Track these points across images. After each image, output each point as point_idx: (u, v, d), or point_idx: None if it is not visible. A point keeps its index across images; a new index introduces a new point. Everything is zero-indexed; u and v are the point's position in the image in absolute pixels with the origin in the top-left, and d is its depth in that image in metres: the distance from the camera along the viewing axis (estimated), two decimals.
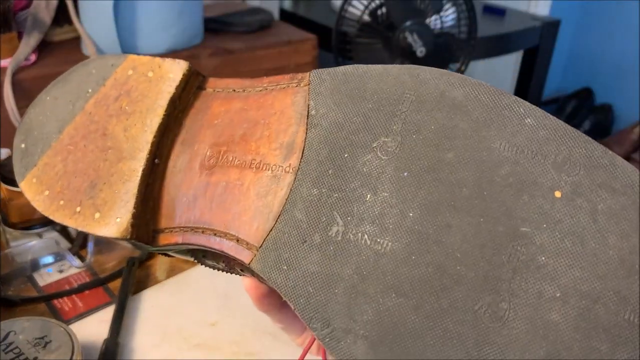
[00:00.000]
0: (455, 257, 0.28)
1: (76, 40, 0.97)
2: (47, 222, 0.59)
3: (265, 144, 0.34)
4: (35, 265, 0.55)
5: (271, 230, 0.32)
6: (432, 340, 0.28)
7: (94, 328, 0.49)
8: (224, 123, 0.36)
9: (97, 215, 0.35)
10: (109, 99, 0.38)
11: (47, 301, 0.52)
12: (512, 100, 0.29)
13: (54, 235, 0.60)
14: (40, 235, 0.60)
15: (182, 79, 0.36)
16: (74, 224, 0.36)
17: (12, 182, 0.57)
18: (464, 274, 0.28)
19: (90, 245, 0.57)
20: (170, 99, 0.36)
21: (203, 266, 0.38)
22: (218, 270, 0.39)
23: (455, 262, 0.28)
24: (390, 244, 0.29)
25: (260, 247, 0.32)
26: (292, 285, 0.30)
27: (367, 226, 0.30)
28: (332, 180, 0.31)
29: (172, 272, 0.58)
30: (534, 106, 0.29)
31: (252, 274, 0.35)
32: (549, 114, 0.29)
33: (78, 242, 0.60)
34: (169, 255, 0.40)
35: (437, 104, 0.30)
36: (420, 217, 0.29)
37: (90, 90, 0.39)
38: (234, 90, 0.36)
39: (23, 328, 0.42)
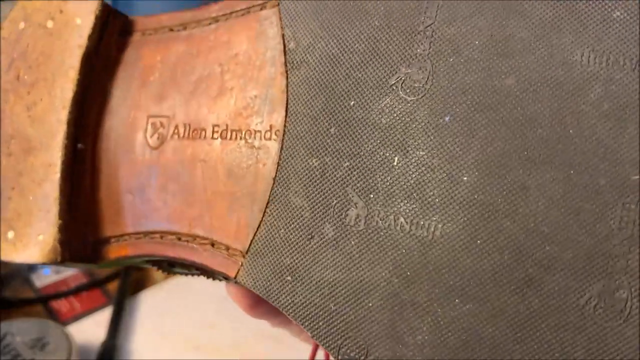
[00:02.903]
0: (541, 232, 0.19)
1: None
2: None
3: (229, 102, 0.23)
4: (32, 267, 0.54)
5: (259, 225, 0.22)
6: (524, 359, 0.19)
7: (91, 330, 0.48)
8: (163, 78, 0.25)
9: (10, 234, 0.25)
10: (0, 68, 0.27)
11: (44, 302, 0.51)
12: None
13: None
14: None
15: (94, 23, 0.25)
16: None
17: None
18: (556, 256, 0.19)
19: None
20: (83, 54, 0.25)
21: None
22: (194, 275, 0.29)
23: (541, 241, 0.19)
24: (440, 226, 0.20)
25: (247, 251, 0.22)
26: (303, 304, 0.21)
27: (401, 204, 0.20)
28: (338, 143, 0.21)
29: (170, 273, 0.50)
30: None
31: None
32: None
33: None
34: (132, 267, 0.30)
35: (478, 8, 0.20)
36: (479, 180, 0.19)
37: None
38: (171, 30, 0.26)
39: (20, 330, 0.42)
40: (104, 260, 0.26)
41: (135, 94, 0.26)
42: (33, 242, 0.25)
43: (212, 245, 0.23)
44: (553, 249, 0.19)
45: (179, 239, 0.24)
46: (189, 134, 0.24)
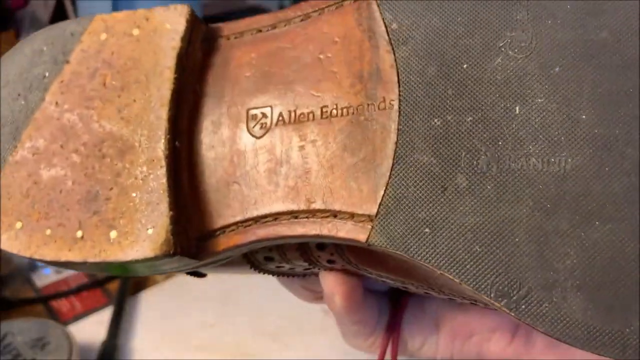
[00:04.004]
0: None
1: None
2: None
3: (334, 84, 0.25)
4: (33, 266, 0.54)
5: (386, 187, 0.23)
6: None
7: (91, 329, 0.48)
8: (259, 73, 0.26)
9: (113, 234, 0.24)
10: (81, 77, 0.27)
11: (44, 302, 0.51)
12: None
13: None
14: None
15: (186, 27, 0.26)
16: (80, 255, 0.24)
17: None
18: None
19: None
20: (177, 55, 0.26)
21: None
22: (285, 275, 0.29)
23: None
24: (570, 160, 0.22)
25: (376, 214, 0.23)
26: (447, 252, 0.22)
27: (530, 146, 0.22)
28: (457, 101, 0.23)
29: (170, 273, 0.52)
30: None
31: (353, 265, 0.26)
32: None
33: None
34: (200, 275, 0.30)
35: None
36: (596, 117, 0.22)
37: (47, 74, 0.27)
38: (259, 31, 0.27)
39: (21, 329, 0.42)
40: (209, 254, 0.25)
41: (229, 92, 0.26)
42: (142, 237, 0.24)
43: (335, 216, 0.24)
44: None
45: (296, 217, 0.24)
46: (295, 118, 0.25)
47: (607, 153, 0.21)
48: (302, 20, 0.26)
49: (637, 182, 0.21)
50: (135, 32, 0.27)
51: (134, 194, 0.25)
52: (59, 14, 0.92)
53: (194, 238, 0.25)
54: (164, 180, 0.24)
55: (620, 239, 0.21)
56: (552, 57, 0.23)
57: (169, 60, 0.26)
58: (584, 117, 0.22)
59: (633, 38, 0.22)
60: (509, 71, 0.23)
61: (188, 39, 0.26)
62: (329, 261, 0.27)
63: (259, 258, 0.28)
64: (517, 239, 0.21)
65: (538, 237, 0.21)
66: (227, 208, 0.25)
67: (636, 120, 0.21)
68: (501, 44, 0.23)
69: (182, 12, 0.27)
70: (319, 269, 0.28)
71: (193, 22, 0.27)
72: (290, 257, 0.27)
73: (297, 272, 0.29)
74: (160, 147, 0.25)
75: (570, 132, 0.22)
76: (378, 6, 0.25)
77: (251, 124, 0.26)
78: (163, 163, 0.25)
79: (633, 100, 0.22)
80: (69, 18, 0.88)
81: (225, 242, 0.25)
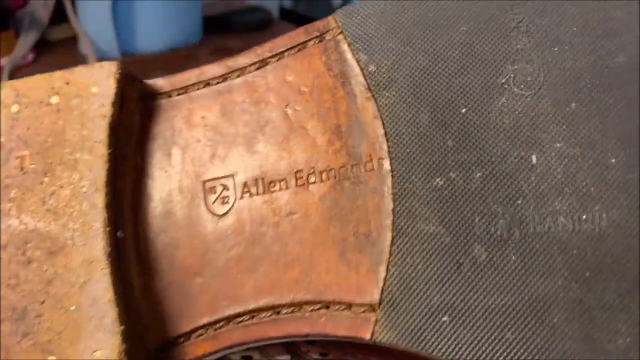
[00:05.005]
0: None
1: (74, 39, 0.90)
2: None
3: (307, 142, 0.21)
4: None
5: (388, 266, 0.19)
6: None
7: None
8: (212, 137, 0.22)
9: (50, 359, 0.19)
10: None
11: None
12: None
13: None
14: None
15: (117, 88, 0.21)
16: None
17: None
18: None
19: None
20: (109, 125, 0.21)
21: None
22: None
23: None
24: (605, 215, 0.18)
25: (380, 302, 0.19)
26: (474, 343, 0.18)
27: (556, 202, 0.18)
28: (461, 155, 0.19)
29: None
30: None
31: (352, 355, 0.22)
32: None
33: None
34: None
35: None
36: (628, 159, 0.18)
37: None
38: (208, 84, 0.22)
39: None
40: None
41: (178, 162, 0.22)
42: None
43: (327, 307, 0.19)
44: None
45: (279, 312, 0.20)
46: (264, 188, 0.21)
47: None
48: (258, 68, 0.22)
49: None
50: (54, 100, 0.22)
51: (72, 307, 0.20)
52: (59, 14, 0.91)
53: (152, 349, 0.20)
54: (109, 285, 0.20)
55: None
56: (565, 91, 0.19)
57: (100, 132, 0.21)
58: (613, 160, 0.18)
59: None
60: (517, 112, 0.19)
61: (120, 102, 0.22)
62: (322, 354, 0.22)
63: (235, 359, 0.23)
64: (555, 320, 0.17)
65: (580, 314, 0.17)
66: (191, 308, 0.21)
67: None
68: (503, 80, 0.19)
69: (109, 70, 0.22)
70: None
71: (124, 81, 0.22)
72: (273, 354, 0.23)
73: None
74: (98, 244, 0.20)
75: (600, 180, 0.18)
76: (349, 45, 0.21)
77: (210, 199, 0.21)
78: (104, 264, 0.20)
79: None
80: (68, 18, 0.88)
81: (192, 350, 0.20)
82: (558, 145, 0.18)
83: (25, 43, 0.86)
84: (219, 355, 0.21)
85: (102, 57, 0.83)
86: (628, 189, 0.18)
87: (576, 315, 0.17)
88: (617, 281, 0.17)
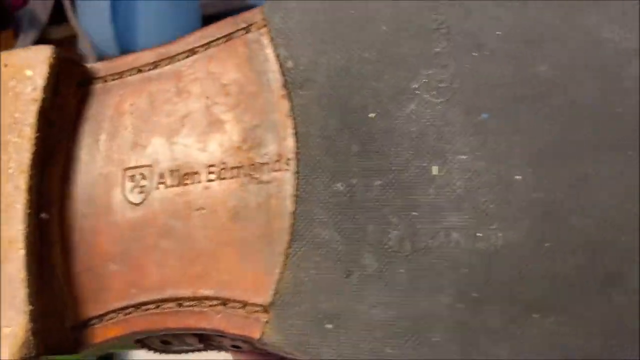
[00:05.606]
0: (613, 224, 0.17)
1: (74, 38, 0.94)
2: None
3: (223, 137, 0.20)
4: None
5: (283, 269, 0.19)
6: None
7: None
8: (137, 124, 0.22)
9: None
10: None
11: None
12: None
13: None
14: None
15: (49, 73, 0.22)
16: None
17: None
18: (636, 246, 0.17)
19: None
20: (38, 109, 0.22)
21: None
22: (189, 352, 0.25)
23: (616, 233, 0.17)
24: (501, 234, 0.17)
25: (271, 304, 0.19)
26: (353, 354, 0.18)
27: (452, 217, 0.17)
28: (364, 161, 0.18)
29: None
30: None
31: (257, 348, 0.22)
32: None
33: None
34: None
35: None
36: (534, 177, 0.17)
37: None
38: (140, 71, 0.23)
39: None
40: (86, 347, 0.21)
41: (104, 148, 0.22)
42: None
43: (224, 304, 0.19)
44: (628, 238, 0.17)
45: (181, 304, 0.20)
46: (178, 180, 0.21)
47: (548, 225, 0.17)
48: (187, 57, 0.22)
49: (585, 261, 0.17)
50: None
51: None
52: (58, 14, 0.93)
53: (69, 328, 0.21)
54: (23, 266, 0.20)
55: (565, 335, 0.16)
56: (479, 101, 0.18)
57: (29, 116, 0.22)
58: (518, 177, 0.17)
59: (578, 72, 0.18)
60: (424, 120, 0.18)
61: (53, 88, 0.22)
62: (234, 346, 0.23)
63: (156, 342, 0.23)
64: (435, 339, 0.17)
65: (462, 336, 0.17)
66: (104, 292, 0.21)
67: (584, 181, 0.17)
68: (416, 86, 0.18)
69: (44, 54, 0.22)
70: (224, 350, 0.24)
71: (59, 66, 0.22)
72: (190, 342, 0.23)
73: (200, 349, 0.25)
74: (18, 225, 0.21)
75: (501, 197, 0.17)
76: (271, 40, 0.20)
77: (128, 188, 0.21)
78: (21, 245, 0.20)
79: (579, 154, 0.17)
80: (68, 17, 0.89)
81: (102, 333, 0.21)
82: (462, 157, 0.18)
83: (24, 42, 0.86)
84: (127, 340, 0.21)
85: (101, 56, 0.84)
86: (530, 210, 0.17)
87: (458, 337, 0.17)
88: (505, 306, 0.17)
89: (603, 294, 0.16)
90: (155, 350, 0.24)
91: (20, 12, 0.91)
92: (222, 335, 0.21)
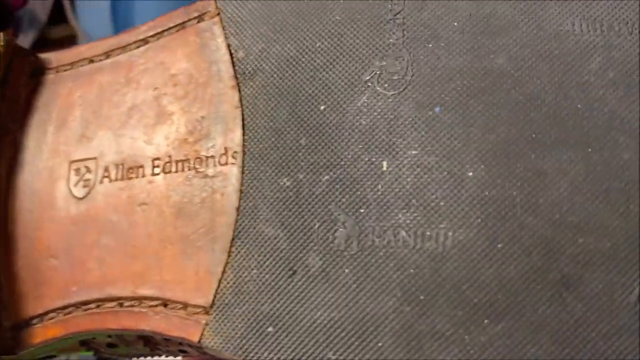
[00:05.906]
0: (569, 223, 0.16)
1: (74, 38, 0.89)
2: None
3: (170, 129, 0.20)
4: None
5: (224, 269, 0.18)
6: None
7: None
8: (85, 116, 0.21)
9: None
10: None
11: None
12: None
13: None
14: None
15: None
16: None
17: None
18: (592, 248, 0.16)
19: None
20: None
21: None
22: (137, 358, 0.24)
23: (572, 233, 0.16)
24: (450, 234, 0.16)
25: (211, 305, 0.18)
26: (293, 359, 0.17)
27: (399, 214, 0.17)
28: (311, 155, 0.18)
29: None
30: None
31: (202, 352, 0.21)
32: None
33: None
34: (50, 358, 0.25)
35: None
36: (487, 174, 0.16)
37: None
38: (92, 61, 0.22)
39: None
40: (25, 347, 0.20)
41: (52, 139, 0.21)
42: None
43: (165, 305, 0.18)
44: (587, 240, 0.16)
45: (121, 304, 0.19)
46: (122, 174, 0.20)
47: (500, 223, 0.16)
48: (138, 47, 0.21)
49: (539, 263, 0.16)
50: None
51: None
52: (58, 13, 0.90)
53: (8, 328, 0.20)
54: None
55: (516, 342, 0.15)
56: (432, 93, 0.17)
57: None
58: (470, 174, 0.16)
59: (537, 65, 0.17)
60: (375, 114, 0.17)
61: (3, 77, 0.21)
62: (181, 350, 0.22)
63: (101, 345, 0.22)
64: (380, 343, 0.16)
65: (408, 340, 0.16)
66: (45, 290, 0.20)
67: (540, 178, 0.16)
68: (368, 77, 0.18)
69: None
70: (171, 354, 0.23)
71: (11, 55, 0.21)
72: (137, 346, 0.22)
73: (147, 354, 0.24)
74: None
75: (452, 195, 0.16)
76: (223, 28, 0.20)
77: (73, 182, 0.20)
78: None
79: (536, 150, 0.16)
80: (67, 17, 0.87)
81: (42, 333, 0.20)
82: (413, 152, 0.17)
83: (24, 42, 0.82)
84: (68, 341, 0.20)
85: None
86: (482, 208, 0.16)
87: (404, 342, 0.16)
88: (453, 309, 0.16)
89: (558, 299, 0.15)
90: (102, 353, 0.23)
91: (20, 12, 0.89)
92: (167, 338, 0.20)
